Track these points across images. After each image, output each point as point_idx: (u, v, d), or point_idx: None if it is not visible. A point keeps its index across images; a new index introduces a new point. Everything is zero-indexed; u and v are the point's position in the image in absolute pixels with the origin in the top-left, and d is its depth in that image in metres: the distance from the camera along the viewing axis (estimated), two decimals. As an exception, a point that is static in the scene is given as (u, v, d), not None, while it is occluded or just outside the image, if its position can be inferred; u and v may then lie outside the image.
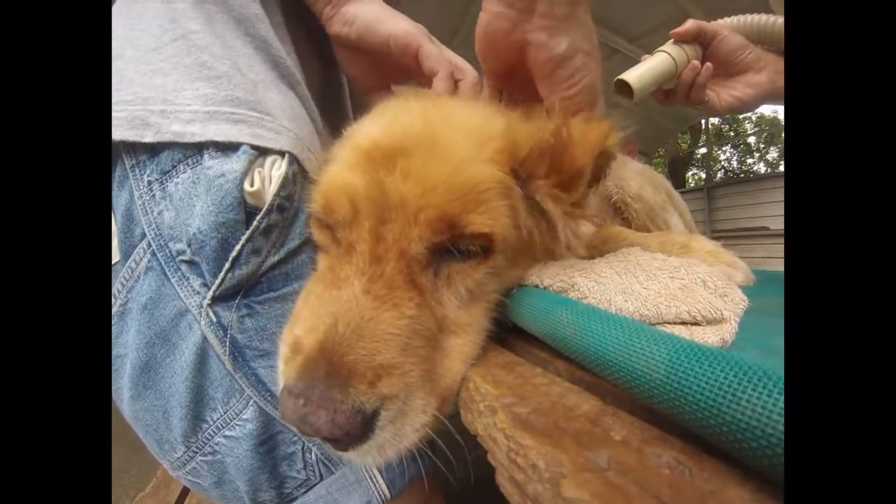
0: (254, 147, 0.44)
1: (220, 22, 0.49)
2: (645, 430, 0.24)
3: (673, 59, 0.68)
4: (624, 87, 0.65)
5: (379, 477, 0.49)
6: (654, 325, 0.35)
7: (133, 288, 0.45)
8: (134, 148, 0.43)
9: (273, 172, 0.45)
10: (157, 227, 0.44)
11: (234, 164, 0.43)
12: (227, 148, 0.44)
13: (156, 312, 0.45)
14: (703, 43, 0.70)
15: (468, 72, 0.55)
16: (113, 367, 0.47)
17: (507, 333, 0.42)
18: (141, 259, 0.45)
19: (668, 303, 0.34)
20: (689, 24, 0.69)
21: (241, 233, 0.44)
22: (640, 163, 0.97)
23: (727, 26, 0.71)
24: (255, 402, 0.47)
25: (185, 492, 1.09)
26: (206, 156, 0.43)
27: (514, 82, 0.51)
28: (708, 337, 0.34)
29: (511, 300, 0.40)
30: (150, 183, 0.44)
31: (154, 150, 0.43)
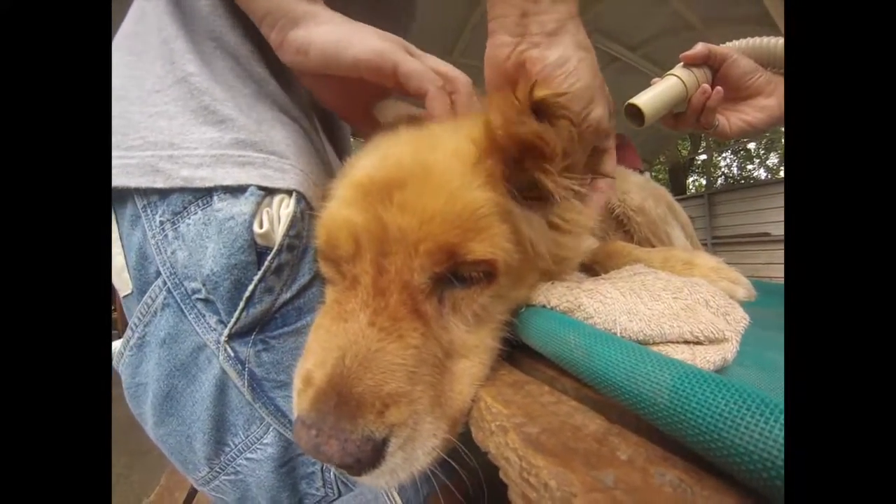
0: (261, 188, 0.45)
1: (218, 60, 0.49)
2: (649, 450, 0.25)
3: (683, 82, 0.67)
4: (634, 112, 0.65)
5: (396, 495, 0.50)
6: (657, 343, 0.36)
7: (150, 322, 0.47)
8: (145, 190, 0.44)
9: (281, 211, 0.46)
10: (172, 265, 0.45)
11: (242, 207, 0.44)
12: (236, 190, 0.45)
13: (174, 347, 0.47)
14: (712, 66, 0.70)
15: (459, 81, 0.50)
16: (135, 394, 0.50)
17: (514, 350, 0.43)
18: (157, 296, 0.47)
19: (671, 323, 0.36)
20: (699, 48, 0.68)
21: (253, 273, 0.45)
22: (641, 175, 0.99)
23: (736, 49, 0.71)
24: (274, 428, 0.48)
25: (188, 499, 1.10)
26: (215, 197, 0.45)
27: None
28: (710, 356, 0.35)
29: (519, 320, 0.41)
30: (161, 223, 0.45)
31: (165, 192, 0.45)
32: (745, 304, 0.47)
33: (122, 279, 0.48)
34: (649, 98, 0.65)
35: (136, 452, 2.02)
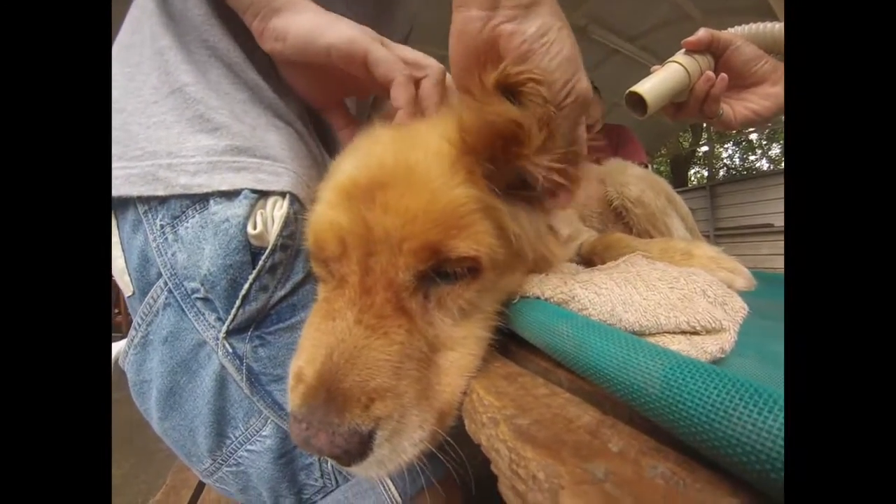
0: (255, 191, 0.47)
1: (213, 69, 0.51)
2: (642, 442, 0.25)
3: (686, 69, 0.64)
4: (636, 101, 0.63)
5: (391, 485, 0.52)
6: (653, 334, 0.35)
7: (153, 322, 0.49)
8: (147, 197, 0.46)
9: (275, 213, 0.48)
10: (172, 267, 0.47)
11: (236, 209, 0.46)
12: (231, 194, 0.46)
13: (176, 344, 0.49)
14: (715, 53, 0.67)
15: (430, 66, 0.50)
16: (140, 391, 0.52)
17: (509, 342, 0.43)
18: (159, 296, 0.48)
19: (667, 313, 0.35)
20: (702, 33, 0.66)
21: (248, 272, 0.47)
22: (640, 167, 0.98)
23: (740, 36, 0.68)
24: (272, 420, 0.50)
25: (194, 498, 1.10)
26: (211, 202, 0.46)
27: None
28: (707, 346, 0.34)
29: (512, 311, 0.41)
30: (162, 227, 0.47)
31: (165, 198, 0.46)
32: (747, 294, 0.46)
33: (123, 281, 0.50)
34: (652, 86, 0.63)
35: (144, 453, 2.03)
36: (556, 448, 0.24)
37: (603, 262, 0.54)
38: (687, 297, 0.36)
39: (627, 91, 0.63)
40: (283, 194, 0.48)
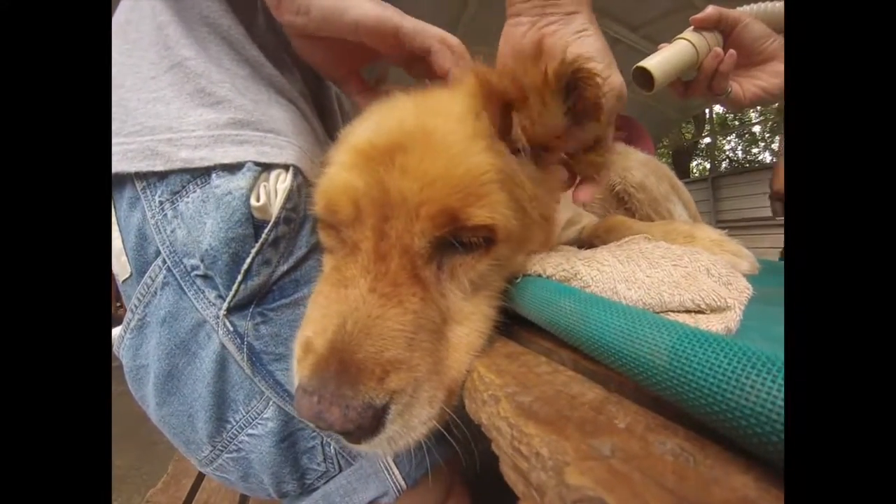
0: (258, 163, 0.46)
1: (213, 45, 0.50)
2: (649, 418, 0.24)
3: (694, 46, 0.64)
4: (643, 77, 0.62)
5: (395, 468, 0.51)
6: (657, 313, 0.34)
7: (150, 303, 0.48)
8: (145, 173, 0.45)
9: (278, 186, 0.47)
10: (171, 244, 0.46)
11: (239, 182, 0.45)
12: (233, 167, 0.45)
13: (174, 325, 0.47)
14: (724, 30, 0.67)
15: (454, 43, 0.50)
16: (136, 377, 0.50)
17: (511, 323, 0.42)
18: (157, 276, 0.47)
19: (671, 291, 0.34)
20: (710, 10, 0.65)
21: (250, 246, 0.46)
22: (643, 153, 0.96)
23: (749, 13, 0.68)
24: (274, 402, 0.49)
25: (195, 488, 1.10)
26: (213, 175, 0.45)
27: None
28: (712, 325, 0.33)
29: (514, 289, 0.40)
30: (161, 203, 0.45)
31: (164, 173, 0.45)
32: (751, 280, 0.46)
33: (120, 263, 0.49)
34: (659, 61, 0.62)
35: (146, 443, 2.04)
36: (560, 424, 0.24)
37: (605, 245, 0.53)
38: (691, 276, 0.36)
39: (634, 66, 0.62)
40: (286, 167, 0.48)
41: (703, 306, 0.34)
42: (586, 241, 0.64)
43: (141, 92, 0.46)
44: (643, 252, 0.38)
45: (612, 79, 0.46)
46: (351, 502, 0.51)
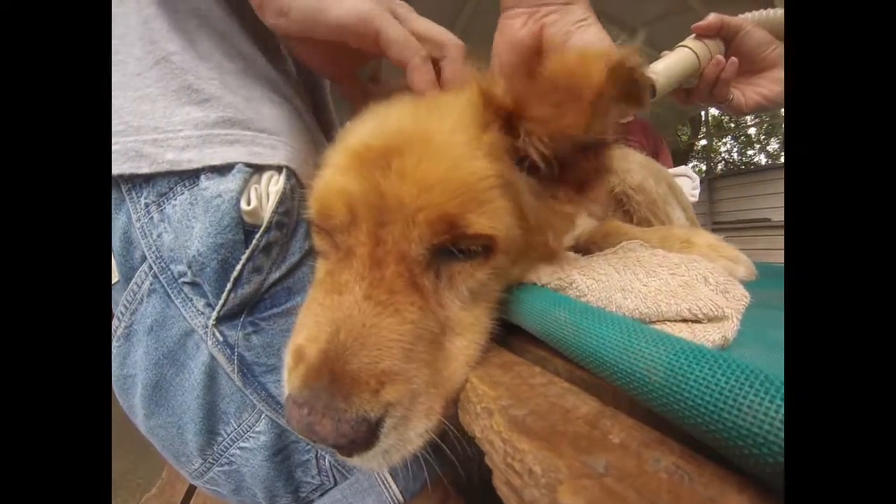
0: (249, 165, 0.44)
1: (203, 38, 0.47)
2: (644, 433, 0.24)
3: (695, 54, 0.64)
4: None
5: (391, 482, 0.49)
6: (654, 322, 0.34)
7: (137, 310, 0.45)
8: (130, 175, 0.43)
9: (270, 188, 0.45)
10: (158, 249, 0.44)
11: (229, 184, 0.43)
12: (223, 168, 0.43)
13: (162, 334, 0.45)
14: (725, 38, 0.67)
15: (449, 44, 0.46)
16: (124, 387, 0.48)
17: (504, 331, 0.41)
18: (143, 282, 0.45)
19: (668, 300, 0.34)
20: (712, 18, 0.65)
21: (240, 253, 0.43)
22: (642, 155, 0.96)
23: (750, 21, 0.68)
24: (266, 415, 0.47)
25: (189, 492, 1.09)
26: (202, 177, 0.43)
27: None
28: (709, 334, 0.33)
29: (510, 298, 0.39)
30: (147, 206, 0.43)
31: (150, 175, 0.43)
32: (748, 284, 0.45)
33: None
34: (661, 69, 0.62)
35: (141, 447, 2.01)
36: (554, 440, 0.23)
37: (601, 251, 0.53)
38: (688, 284, 0.35)
39: None
40: (279, 168, 0.45)
41: (700, 316, 0.34)
42: (583, 248, 0.63)
43: (127, 90, 0.44)
44: (640, 261, 0.37)
45: None
46: None
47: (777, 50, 0.67)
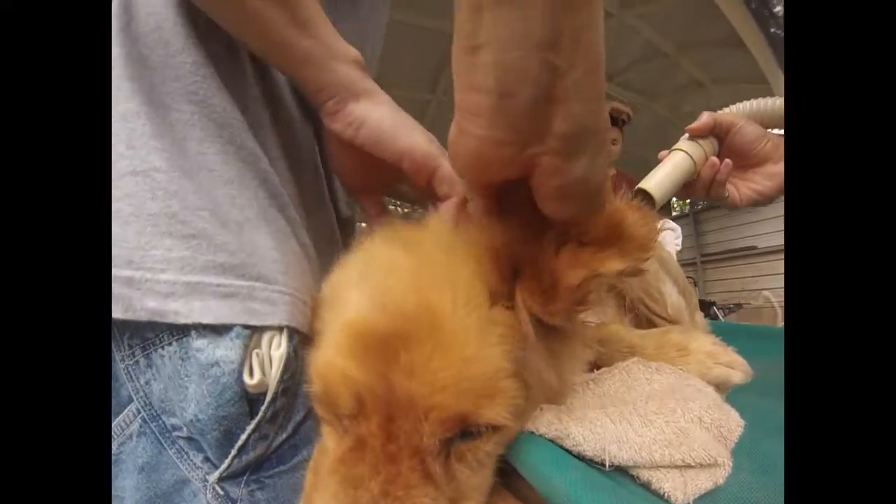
0: (247, 326, 0.40)
1: (197, 132, 0.42)
2: None
3: (691, 157, 0.67)
4: (644, 195, 0.64)
5: None
6: (647, 468, 0.35)
7: (125, 444, 0.42)
8: None
9: (273, 352, 0.41)
10: (147, 396, 0.41)
11: (227, 351, 0.39)
12: (218, 328, 0.39)
13: (154, 476, 0.42)
14: (718, 136, 0.70)
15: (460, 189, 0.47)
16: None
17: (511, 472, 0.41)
18: (131, 422, 0.41)
19: (662, 451, 0.35)
20: (705, 118, 0.68)
21: (245, 423, 0.40)
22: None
23: (741, 115, 0.71)
24: None
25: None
26: (193, 333, 0.39)
27: (509, 196, 0.40)
28: (700, 481, 0.34)
29: (509, 449, 0.39)
30: (131, 347, 0.39)
31: (128, 321, 0.37)
32: (745, 353, 0.50)
33: None
34: (658, 181, 0.65)
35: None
36: None
37: (598, 357, 0.54)
38: (683, 431, 0.36)
39: (635, 188, 0.66)
40: (279, 329, 0.41)
41: (692, 464, 0.35)
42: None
43: None
44: (637, 409, 0.38)
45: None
46: None
47: (769, 144, 0.70)
